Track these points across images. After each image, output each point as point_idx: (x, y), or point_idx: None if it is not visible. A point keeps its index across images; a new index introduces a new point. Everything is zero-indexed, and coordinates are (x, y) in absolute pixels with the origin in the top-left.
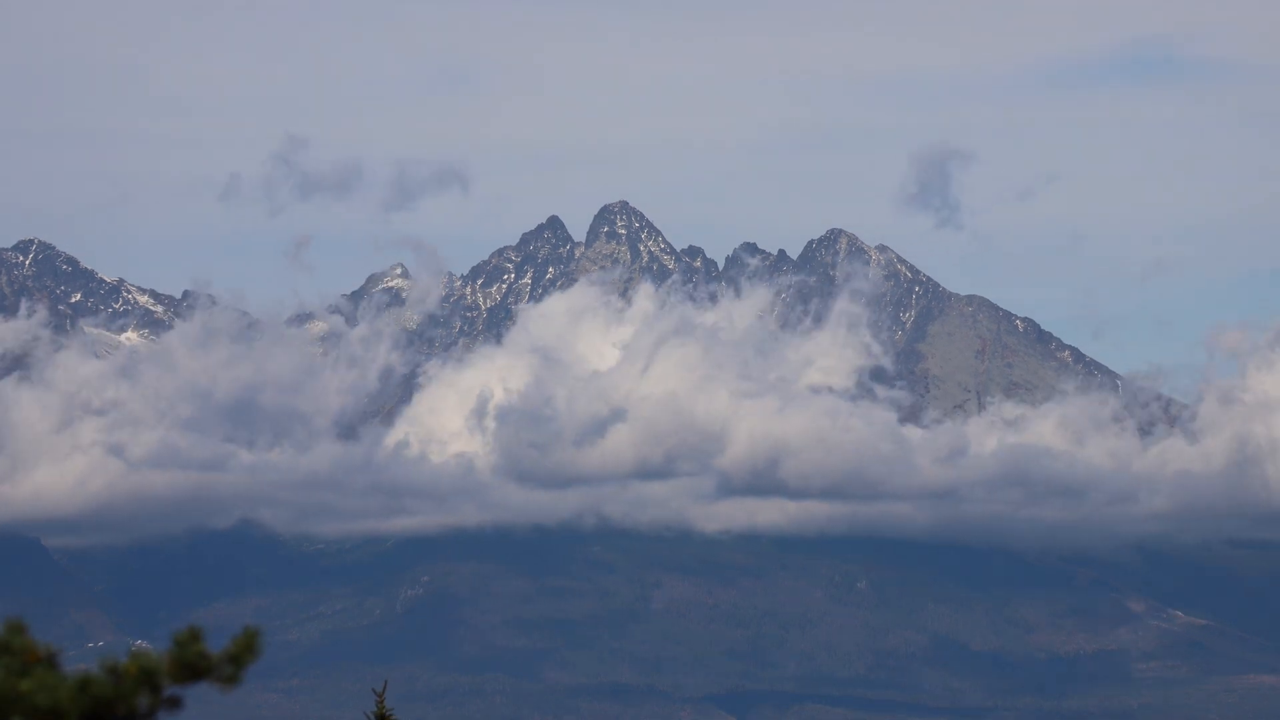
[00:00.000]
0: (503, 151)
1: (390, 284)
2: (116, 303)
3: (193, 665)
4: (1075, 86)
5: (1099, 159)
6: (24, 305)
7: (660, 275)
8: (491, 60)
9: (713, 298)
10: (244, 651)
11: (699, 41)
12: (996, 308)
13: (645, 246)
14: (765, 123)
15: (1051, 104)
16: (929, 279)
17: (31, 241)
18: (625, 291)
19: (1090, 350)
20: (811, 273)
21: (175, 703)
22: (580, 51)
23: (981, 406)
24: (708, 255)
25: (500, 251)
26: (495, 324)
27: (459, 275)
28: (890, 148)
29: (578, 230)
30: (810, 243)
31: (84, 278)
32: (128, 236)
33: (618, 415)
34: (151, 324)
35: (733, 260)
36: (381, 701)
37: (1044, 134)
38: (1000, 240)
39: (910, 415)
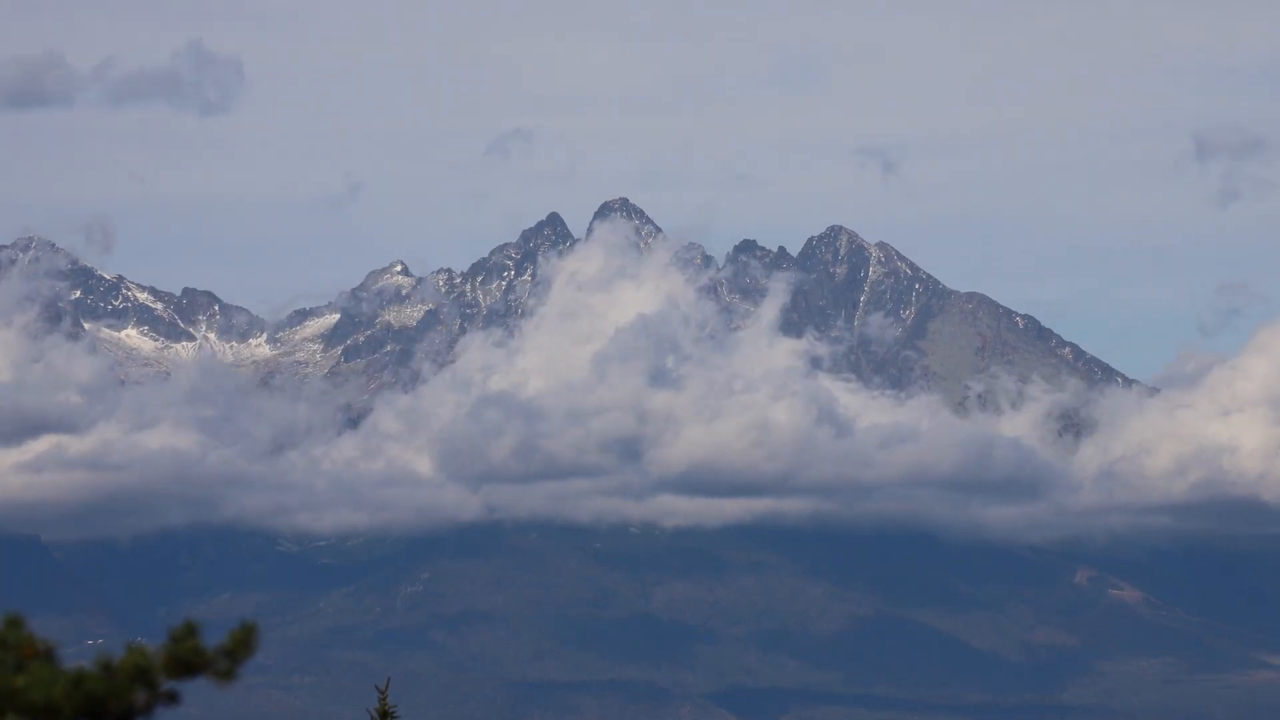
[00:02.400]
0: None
1: (390, 280)
2: (116, 300)
3: (188, 660)
4: None
5: None
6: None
7: (659, 271)
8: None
9: (713, 293)
10: (240, 646)
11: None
12: (997, 304)
13: (645, 243)
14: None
15: None
16: (929, 276)
17: (30, 239)
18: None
19: (1091, 348)
20: (811, 270)
21: (172, 698)
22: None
23: (982, 403)
24: (707, 252)
25: (501, 248)
26: (495, 320)
27: (459, 272)
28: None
29: (578, 227)
30: (810, 240)
31: (83, 275)
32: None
33: (616, 411)
34: (151, 321)
35: (732, 257)
36: (385, 698)
37: None
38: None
39: (910, 412)
